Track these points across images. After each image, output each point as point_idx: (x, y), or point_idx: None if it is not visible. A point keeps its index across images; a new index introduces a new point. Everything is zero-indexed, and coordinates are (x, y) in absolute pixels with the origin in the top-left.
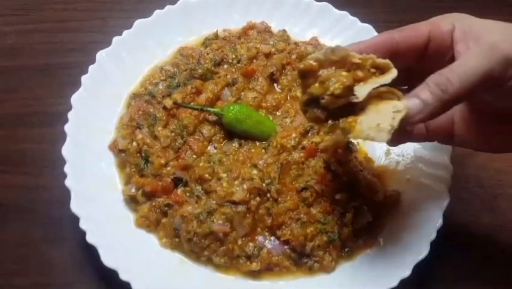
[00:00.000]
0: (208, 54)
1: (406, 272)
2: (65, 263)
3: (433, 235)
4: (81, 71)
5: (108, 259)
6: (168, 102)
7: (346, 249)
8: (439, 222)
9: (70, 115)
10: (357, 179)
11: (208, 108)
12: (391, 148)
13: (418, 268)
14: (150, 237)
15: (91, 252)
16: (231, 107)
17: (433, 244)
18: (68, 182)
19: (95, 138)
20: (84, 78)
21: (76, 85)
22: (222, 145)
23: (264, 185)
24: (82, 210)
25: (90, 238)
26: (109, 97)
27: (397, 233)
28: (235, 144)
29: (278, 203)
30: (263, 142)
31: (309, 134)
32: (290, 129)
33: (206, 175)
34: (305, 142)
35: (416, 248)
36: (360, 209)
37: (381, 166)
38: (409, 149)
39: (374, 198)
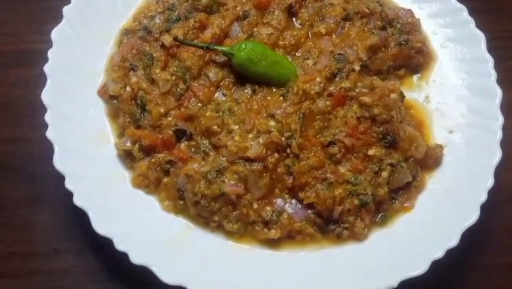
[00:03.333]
0: None
1: (452, 240)
2: (49, 229)
3: (483, 197)
4: (62, 1)
5: (100, 225)
6: (167, 39)
7: (381, 214)
8: (489, 181)
9: (50, 53)
10: (396, 130)
11: (215, 47)
12: (430, 93)
13: (466, 236)
14: (149, 199)
15: (80, 217)
16: (243, 46)
17: (484, 208)
18: (50, 134)
19: (81, 82)
20: (66, 10)
21: (57, 18)
22: (232, 91)
23: (283, 138)
24: (67, 167)
25: (78, 200)
26: (96, 32)
27: (440, 195)
28: (248, 90)
29: (300, 160)
30: (281, 88)
31: (337, 79)
32: (314, 73)
33: (215, 127)
34: (331, 88)
35: (464, 212)
36: (397, 166)
37: (420, 113)
38: (451, 95)
39: (415, 154)
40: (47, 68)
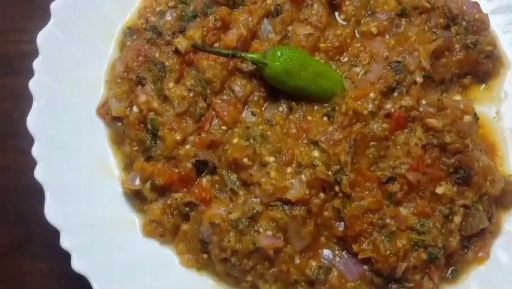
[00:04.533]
0: None
1: None
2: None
3: None
4: None
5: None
6: (182, 43)
7: (451, 268)
8: None
9: (36, 65)
10: (471, 162)
11: (243, 54)
12: (502, 108)
13: None
14: (165, 252)
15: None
16: (278, 53)
17: None
18: (38, 174)
19: (76, 99)
20: (54, 7)
21: (45, 16)
22: (263, 108)
23: (330, 173)
24: (62, 218)
25: (77, 265)
26: (93, 32)
27: None
28: (283, 108)
29: (351, 200)
30: (325, 104)
31: (395, 94)
32: (366, 86)
33: (245, 159)
34: (389, 105)
35: None
36: (472, 209)
37: (490, 133)
38: None
39: (490, 190)
40: (32, 84)
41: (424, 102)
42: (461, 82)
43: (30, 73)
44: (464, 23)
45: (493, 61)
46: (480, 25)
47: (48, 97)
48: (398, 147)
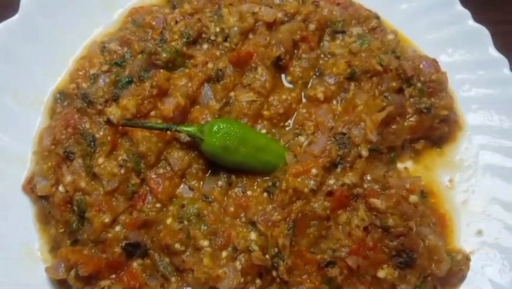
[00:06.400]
0: (176, 23)
1: None
2: None
3: None
4: None
5: None
6: (115, 113)
7: None
8: None
9: None
10: (415, 246)
11: (178, 128)
12: (455, 176)
13: None
14: None
15: None
16: (215, 128)
17: None
18: None
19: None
20: None
21: None
22: (201, 183)
23: (267, 256)
24: None
25: None
26: (20, 96)
27: None
28: (222, 182)
29: (289, 286)
30: (266, 177)
31: (338, 170)
32: (308, 160)
33: (177, 245)
34: (332, 182)
35: None
36: None
37: (442, 204)
38: (482, 181)
39: (435, 271)
40: None
41: (369, 178)
42: (413, 147)
43: None
44: (419, 84)
45: (449, 124)
46: (436, 86)
47: None
48: (340, 227)
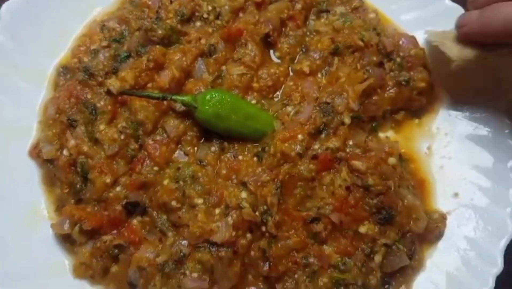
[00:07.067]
0: (171, 2)
1: None
2: None
3: (490, 285)
4: None
5: None
6: (114, 84)
7: None
8: (498, 266)
9: None
10: (393, 204)
11: (174, 97)
12: (433, 144)
13: None
14: None
15: None
16: (208, 97)
17: None
18: None
19: (7, 139)
20: None
21: None
22: (196, 149)
23: (257, 213)
24: None
25: None
26: (25, 70)
27: (440, 279)
28: (215, 148)
29: (277, 240)
30: (256, 143)
31: (322, 136)
32: (295, 128)
33: (173, 202)
34: (316, 146)
35: None
36: (393, 247)
37: (421, 169)
38: (458, 148)
39: (413, 228)
40: None
41: (351, 143)
42: (394, 118)
43: None
44: (398, 59)
45: (427, 96)
46: (415, 60)
47: None
48: (324, 187)
